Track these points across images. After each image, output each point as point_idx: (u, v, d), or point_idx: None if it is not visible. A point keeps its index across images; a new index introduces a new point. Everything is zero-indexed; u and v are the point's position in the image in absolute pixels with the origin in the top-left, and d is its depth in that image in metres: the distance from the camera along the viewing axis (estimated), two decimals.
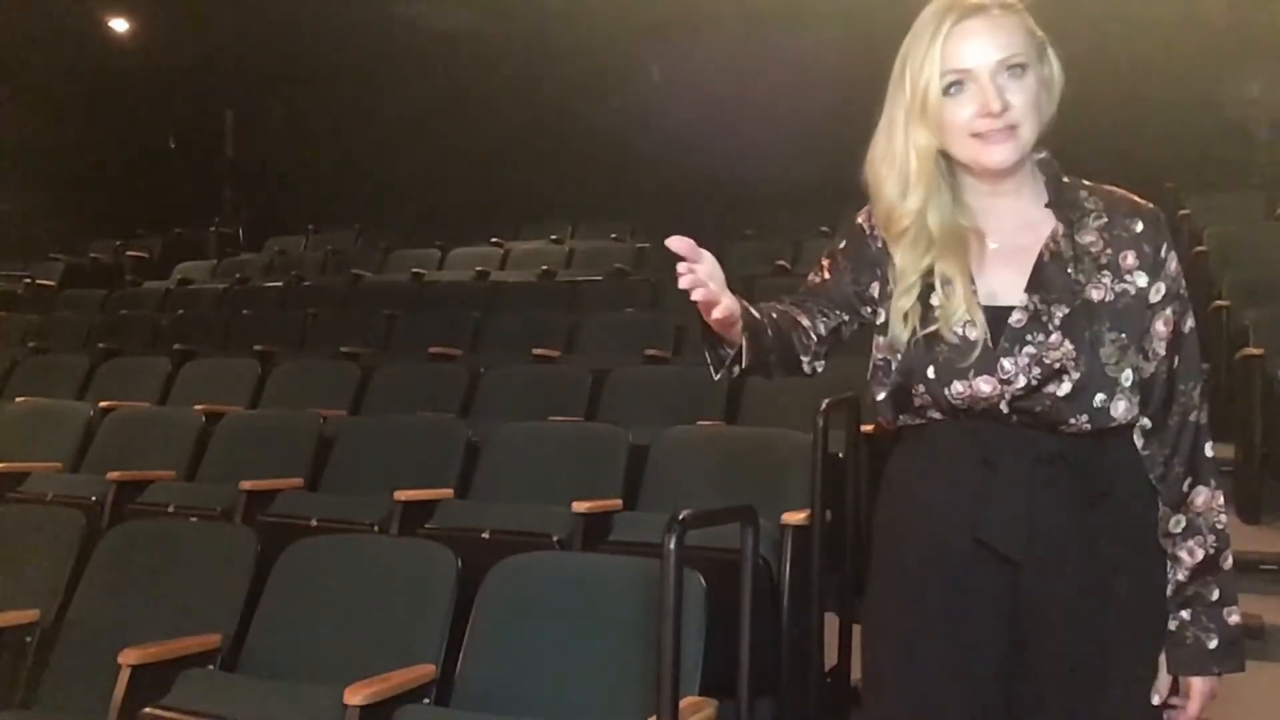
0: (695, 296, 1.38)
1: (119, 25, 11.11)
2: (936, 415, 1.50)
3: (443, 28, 9.94)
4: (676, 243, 1.39)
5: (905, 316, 1.50)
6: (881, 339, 1.55)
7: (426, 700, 2.40)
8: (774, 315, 1.52)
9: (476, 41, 9.98)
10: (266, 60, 10.70)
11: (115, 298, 8.37)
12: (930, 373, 1.48)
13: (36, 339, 6.71)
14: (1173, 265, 1.51)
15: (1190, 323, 1.52)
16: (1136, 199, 1.54)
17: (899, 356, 1.51)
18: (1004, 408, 1.45)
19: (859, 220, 1.60)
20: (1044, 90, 1.49)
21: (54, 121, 10.36)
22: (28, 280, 9.04)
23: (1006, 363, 1.45)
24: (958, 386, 1.46)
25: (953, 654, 1.47)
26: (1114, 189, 1.56)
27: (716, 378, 1.54)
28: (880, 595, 1.58)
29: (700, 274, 1.38)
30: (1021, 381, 1.44)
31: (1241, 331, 4.88)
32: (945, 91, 1.46)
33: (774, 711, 2.80)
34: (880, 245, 1.56)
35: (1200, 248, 6.08)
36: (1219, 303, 5.20)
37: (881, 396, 1.54)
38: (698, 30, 9.01)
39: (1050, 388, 1.43)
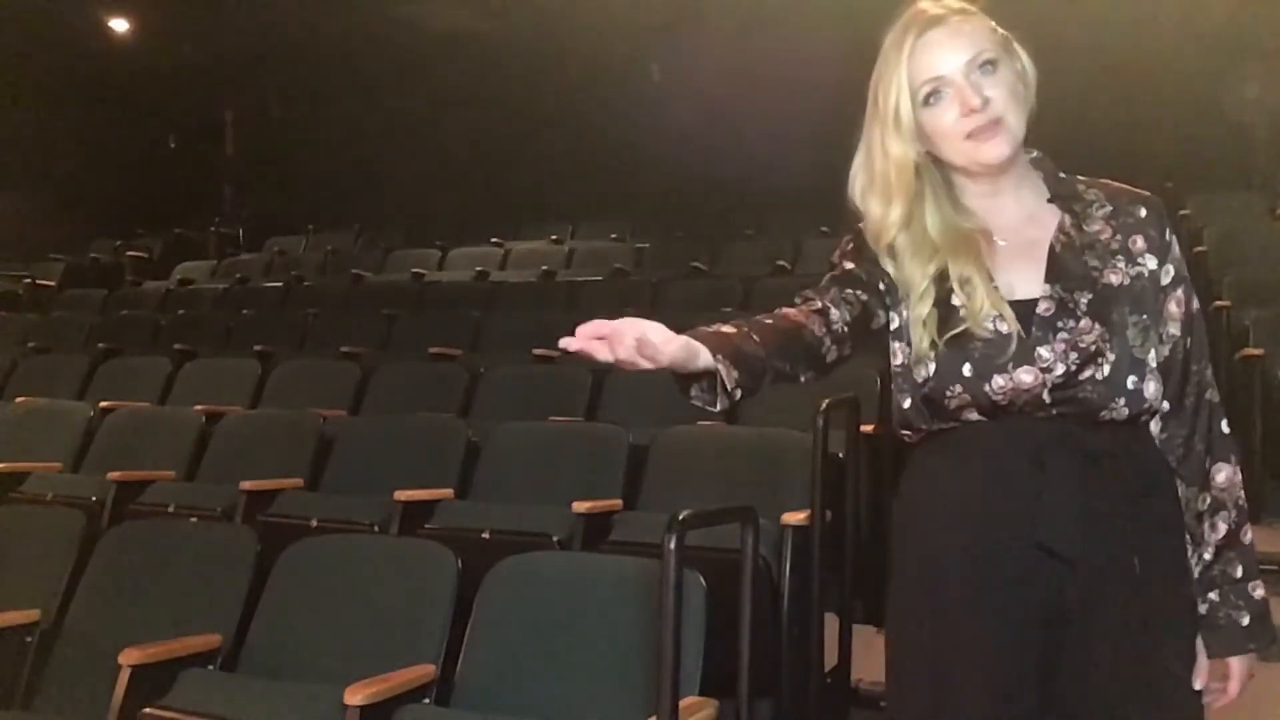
0: (619, 356, 1.29)
1: (119, 25, 11.10)
2: (973, 416, 1.48)
3: (443, 28, 9.94)
4: (571, 343, 1.30)
5: (924, 323, 1.50)
6: (897, 344, 1.55)
7: (426, 700, 2.40)
8: (766, 323, 1.44)
9: (476, 41, 9.98)
10: (266, 60, 10.71)
11: (115, 298, 8.37)
12: (967, 370, 1.47)
13: (36, 339, 6.71)
14: (1176, 249, 1.54)
15: (1196, 303, 1.55)
16: (1136, 189, 1.57)
17: (929, 365, 1.49)
18: (1046, 398, 1.45)
19: (860, 224, 1.60)
20: (1019, 82, 1.51)
21: (54, 121, 10.36)
22: (28, 280, 9.04)
23: (1044, 351, 1.45)
24: (999, 380, 1.45)
25: (990, 655, 1.46)
26: (1110, 181, 1.58)
27: (717, 409, 1.41)
28: (911, 597, 1.55)
29: (619, 346, 1.29)
30: (1060, 369, 1.44)
31: (1242, 331, 4.88)
32: (925, 102, 1.49)
33: (774, 711, 2.80)
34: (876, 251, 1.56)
35: (1200, 248, 6.08)
36: (1219, 303, 5.20)
37: (909, 404, 1.53)
38: (698, 30, 9.01)
39: (1089, 372, 1.44)
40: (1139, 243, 1.51)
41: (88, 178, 10.74)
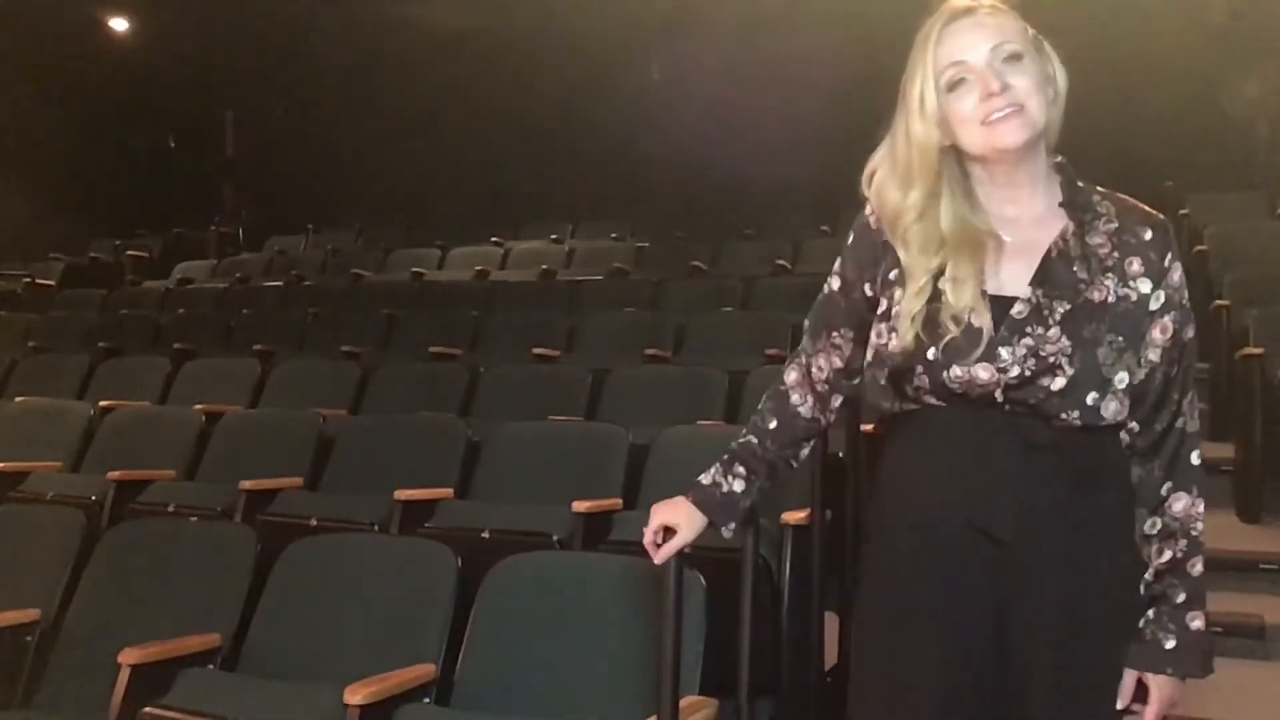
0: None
1: (119, 25, 11.10)
2: (932, 400, 1.52)
3: (443, 28, 9.94)
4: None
5: (912, 318, 1.52)
6: (883, 325, 1.57)
7: (426, 700, 2.40)
8: (757, 455, 1.71)
9: (476, 41, 9.97)
10: (266, 60, 10.70)
11: (115, 298, 8.36)
12: (930, 354, 1.50)
13: (36, 339, 6.71)
14: (1176, 276, 1.53)
15: (1190, 333, 1.54)
16: (1148, 209, 1.57)
17: (905, 347, 1.53)
18: (998, 395, 1.47)
19: (865, 210, 1.63)
20: (1048, 83, 1.52)
21: (54, 122, 10.36)
22: (28, 280, 9.03)
23: (1004, 351, 1.47)
24: (956, 370, 1.48)
25: (940, 640, 1.49)
26: (1127, 198, 1.59)
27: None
28: (870, 581, 1.60)
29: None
30: (1016, 371, 1.46)
31: (1241, 331, 4.88)
32: (949, 89, 1.50)
33: (774, 710, 2.80)
34: (884, 238, 1.59)
35: (1200, 247, 6.08)
36: (1219, 303, 5.20)
37: (884, 382, 1.56)
38: (698, 30, 9.00)
39: (1044, 381, 1.46)
40: (1135, 265, 1.51)
41: (88, 178, 10.73)
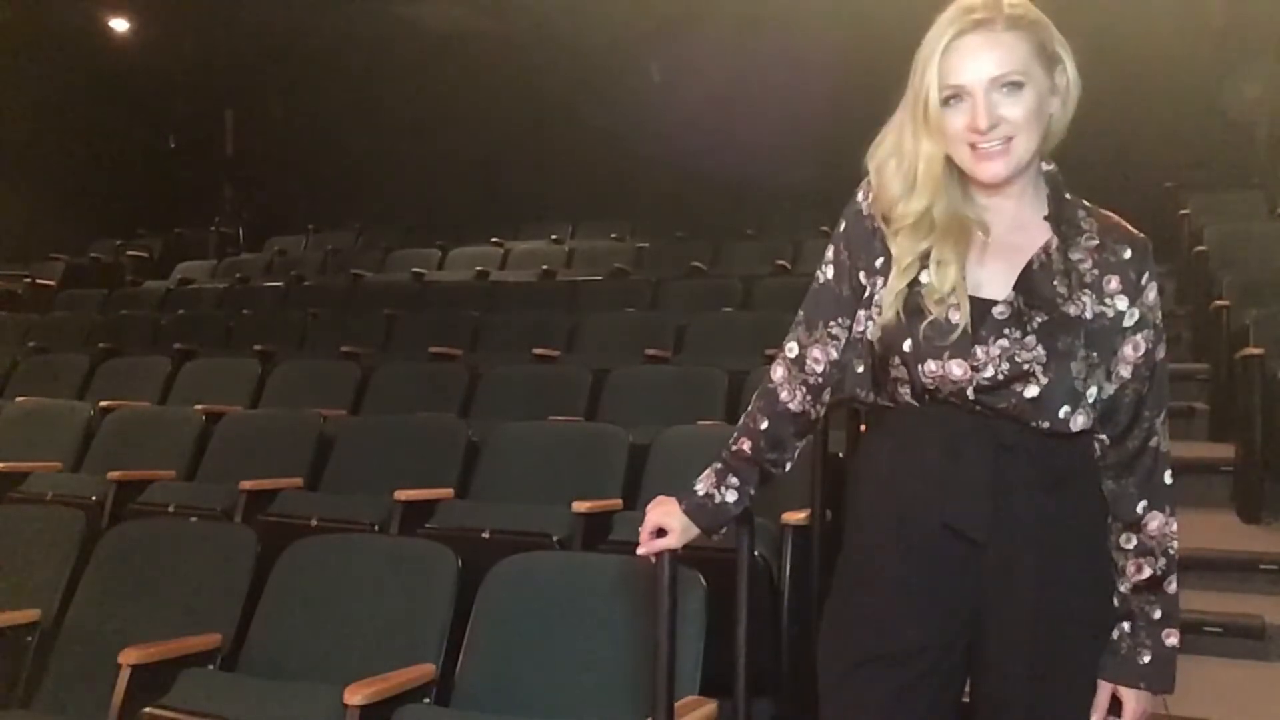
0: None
1: (119, 25, 11.10)
2: (906, 395, 1.52)
3: (443, 28, 9.94)
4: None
5: (895, 296, 1.53)
6: (863, 312, 1.59)
7: (426, 700, 2.40)
8: (748, 456, 1.72)
9: (476, 41, 9.97)
10: (266, 60, 10.71)
11: (115, 298, 8.37)
12: (907, 346, 1.50)
13: (36, 339, 6.71)
14: (1151, 295, 1.54)
15: (1162, 353, 1.55)
16: (1130, 227, 1.58)
17: (884, 332, 1.54)
18: (970, 394, 1.48)
19: (858, 197, 1.63)
20: (1054, 100, 1.51)
21: (55, 121, 10.35)
22: (28, 280, 9.03)
23: (979, 350, 1.48)
24: (931, 365, 1.49)
25: (913, 641, 1.50)
26: (1110, 214, 1.59)
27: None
28: (843, 578, 1.61)
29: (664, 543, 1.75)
30: (990, 372, 1.47)
31: (1241, 331, 4.88)
32: (945, 103, 1.49)
33: (774, 710, 2.80)
34: (877, 224, 1.59)
35: (1200, 248, 6.08)
36: (1219, 303, 5.20)
37: (862, 370, 1.58)
38: (697, 30, 9.00)
39: (1017, 387, 1.47)
40: (1113, 283, 1.52)
41: (88, 178, 10.72)
